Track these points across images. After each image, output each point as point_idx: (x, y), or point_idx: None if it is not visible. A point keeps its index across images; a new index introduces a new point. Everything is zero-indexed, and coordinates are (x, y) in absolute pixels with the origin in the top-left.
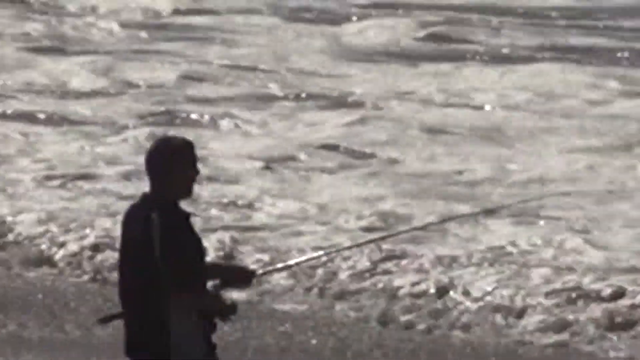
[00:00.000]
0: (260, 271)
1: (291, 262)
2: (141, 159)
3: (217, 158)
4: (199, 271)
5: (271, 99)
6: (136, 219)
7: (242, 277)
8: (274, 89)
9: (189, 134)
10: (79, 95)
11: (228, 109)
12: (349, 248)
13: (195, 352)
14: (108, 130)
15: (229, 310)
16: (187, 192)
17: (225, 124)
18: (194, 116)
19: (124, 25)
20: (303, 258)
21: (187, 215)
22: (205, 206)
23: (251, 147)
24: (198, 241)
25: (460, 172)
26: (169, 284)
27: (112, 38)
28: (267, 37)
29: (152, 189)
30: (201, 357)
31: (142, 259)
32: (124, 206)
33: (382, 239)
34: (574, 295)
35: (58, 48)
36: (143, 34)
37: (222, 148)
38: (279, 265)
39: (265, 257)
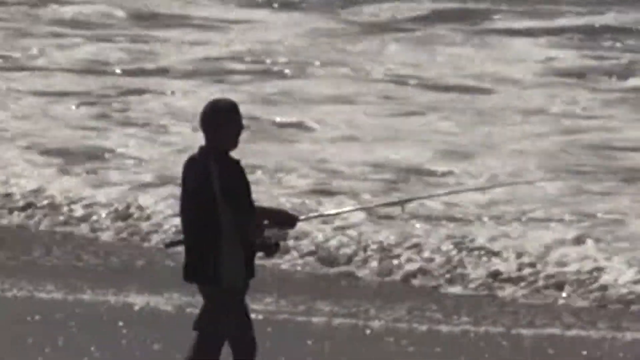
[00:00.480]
0: (302, 217)
1: (330, 212)
2: None
3: None
4: (253, 208)
5: None
6: (196, 165)
7: (288, 220)
8: None
9: None
10: None
11: None
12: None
13: (239, 280)
14: None
15: (274, 248)
16: (235, 144)
17: None
18: None
19: None
20: (341, 210)
21: (237, 161)
22: None
23: None
24: (248, 184)
25: None
26: (229, 218)
27: None
28: None
29: (206, 142)
30: (242, 284)
31: (202, 197)
32: None
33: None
34: None
35: None
36: None
37: None
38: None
39: None
